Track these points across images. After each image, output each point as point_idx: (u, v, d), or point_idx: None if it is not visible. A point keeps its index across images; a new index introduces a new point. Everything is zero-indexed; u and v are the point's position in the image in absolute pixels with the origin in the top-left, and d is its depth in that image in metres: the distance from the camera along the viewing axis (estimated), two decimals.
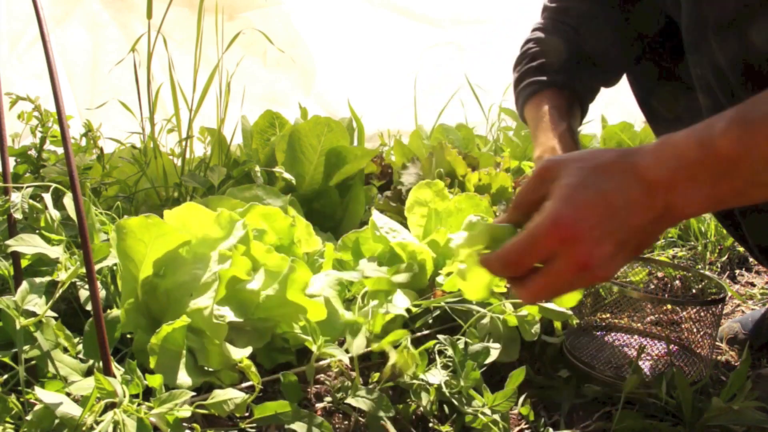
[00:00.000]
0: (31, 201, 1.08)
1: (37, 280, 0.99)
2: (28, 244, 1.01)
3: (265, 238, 1.25)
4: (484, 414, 1.01)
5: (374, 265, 1.29)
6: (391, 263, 1.33)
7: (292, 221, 1.27)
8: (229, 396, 0.94)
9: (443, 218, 1.49)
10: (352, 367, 1.10)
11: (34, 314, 0.95)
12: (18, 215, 1.05)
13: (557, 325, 1.27)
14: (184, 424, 0.92)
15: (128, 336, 1.11)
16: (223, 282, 1.05)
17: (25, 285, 0.96)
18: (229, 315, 1.07)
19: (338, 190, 1.78)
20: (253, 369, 0.98)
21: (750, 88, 0.97)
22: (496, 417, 1.01)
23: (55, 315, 0.98)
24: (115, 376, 0.92)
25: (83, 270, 1.03)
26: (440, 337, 1.14)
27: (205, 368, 1.03)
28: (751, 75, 0.96)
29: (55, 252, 1.03)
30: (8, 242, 1.00)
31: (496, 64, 2.94)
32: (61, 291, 0.99)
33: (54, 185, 1.15)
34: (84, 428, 0.82)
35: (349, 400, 1.01)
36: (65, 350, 0.99)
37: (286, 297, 1.09)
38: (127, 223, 1.05)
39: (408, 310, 1.24)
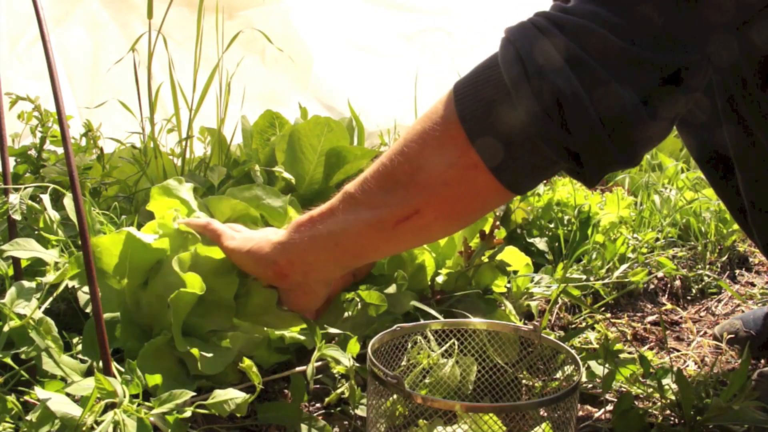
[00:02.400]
0: (30, 202, 1.08)
1: (26, 284, 0.98)
2: (24, 248, 1.01)
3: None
4: None
5: None
6: (392, 264, 1.33)
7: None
8: (230, 396, 0.94)
9: None
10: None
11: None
12: (17, 216, 1.05)
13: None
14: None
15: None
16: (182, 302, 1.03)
17: (13, 289, 0.97)
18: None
19: (338, 190, 1.77)
20: (255, 369, 0.98)
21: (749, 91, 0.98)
22: None
23: (55, 315, 0.98)
24: (115, 376, 0.92)
25: (75, 271, 1.03)
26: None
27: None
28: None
29: (51, 255, 1.03)
30: (4, 247, 1.00)
31: None
32: (56, 293, 0.99)
33: (52, 186, 1.15)
34: (84, 428, 0.82)
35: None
36: (67, 350, 0.99)
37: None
38: (99, 241, 1.05)
39: (408, 312, 1.24)
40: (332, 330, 1.09)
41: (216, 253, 1.08)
